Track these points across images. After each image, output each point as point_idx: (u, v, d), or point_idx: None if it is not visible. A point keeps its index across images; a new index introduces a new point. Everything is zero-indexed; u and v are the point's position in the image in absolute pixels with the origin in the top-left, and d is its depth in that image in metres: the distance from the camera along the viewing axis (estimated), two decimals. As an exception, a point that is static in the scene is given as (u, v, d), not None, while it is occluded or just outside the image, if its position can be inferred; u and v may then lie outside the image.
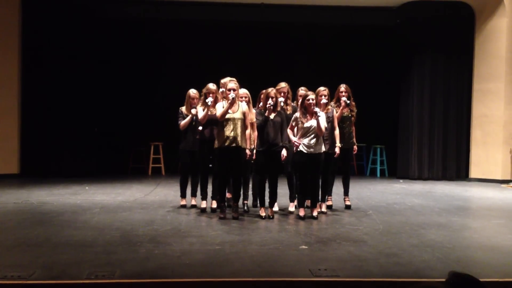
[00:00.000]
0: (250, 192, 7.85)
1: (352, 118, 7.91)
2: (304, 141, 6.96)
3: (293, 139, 7.00)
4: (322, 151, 7.10)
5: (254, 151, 7.14)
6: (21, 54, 11.34)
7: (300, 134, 7.01)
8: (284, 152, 7.08)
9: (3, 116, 11.14)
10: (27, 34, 11.32)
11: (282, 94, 7.47)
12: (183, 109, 7.74)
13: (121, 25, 12.30)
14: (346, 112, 7.82)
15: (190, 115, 7.52)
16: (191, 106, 7.59)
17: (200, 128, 7.38)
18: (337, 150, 7.44)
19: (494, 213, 8.07)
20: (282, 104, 7.26)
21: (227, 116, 6.83)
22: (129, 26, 12.42)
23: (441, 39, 12.03)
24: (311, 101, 6.92)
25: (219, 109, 6.91)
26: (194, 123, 7.49)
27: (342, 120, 7.75)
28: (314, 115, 6.87)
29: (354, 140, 8.02)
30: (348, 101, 7.72)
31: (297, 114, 7.06)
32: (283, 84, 7.58)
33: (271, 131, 7.07)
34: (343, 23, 12.28)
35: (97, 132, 11.81)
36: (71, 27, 11.37)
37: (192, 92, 7.69)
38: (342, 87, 7.82)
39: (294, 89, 7.86)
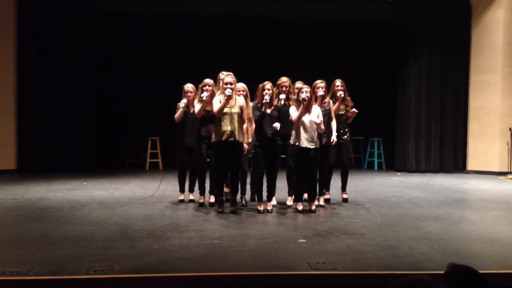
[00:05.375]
0: (248, 186, 7.85)
1: (348, 114, 7.85)
2: (302, 135, 6.96)
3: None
4: (318, 146, 7.10)
5: (252, 145, 7.13)
6: (18, 49, 11.28)
7: (297, 127, 7.00)
8: (276, 124, 6.97)
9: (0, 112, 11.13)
10: (23, 29, 11.26)
11: (284, 89, 7.41)
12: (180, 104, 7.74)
13: (117, 20, 12.24)
14: (342, 108, 7.79)
15: (182, 108, 7.53)
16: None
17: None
18: (334, 137, 7.41)
19: (492, 205, 8.08)
20: (283, 102, 7.20)
21: (225, 110, 6.81)
22: (125, 21, 12.37)
23: (438, 31, 12.03)
24: (305, 94, 6.90)
25: (216, 104, 6.89)
26: (186, 108, 7.49)
27: (337, 116, 7.71)
28: (302, 102, 6.86)
29: (347, 136, 7.95)
30: (343, 95, 7.70)
31: (293, 108, 7.05)
32: (284, 79, 7.50)
33: (268, 126, 7.07)
34: (339, 16, 12.26)
35: (93, 127, 11.78)
36: (67, 21, 11.30)
37: (187, 86, 7.68)
38: (338, 82, 7.80)
39: (291, 82, 7.83)
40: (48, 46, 11.27)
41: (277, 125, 6.93)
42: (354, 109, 7.74)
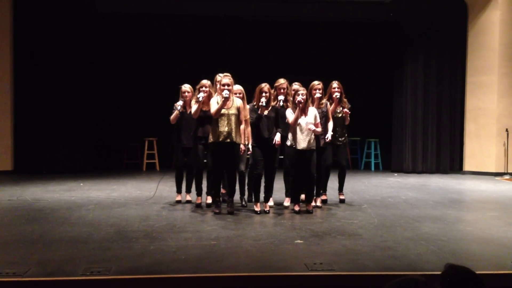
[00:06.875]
0: (245, 187, 7.83)
1: (344, 115, 7.83)
2: (299, 136, 6.96)
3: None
4: (315, 148, 7.10)
5: (249, 146, 7.13)
6: (14, 50, 11.26)
7: (293, 130, 7.01)
8: (277, 137, 7.06)
9: (-4, 113, 11.10)
10: (19, 30, 11.23)
11: (281, 91, 7.38)
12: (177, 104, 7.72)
13: (112, 21, 12.20)
14: (338, 110, 7.78)
15: (178, 110, 7.51)
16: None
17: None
18: (329, 135, 7.38)
19: (488, 205, 8.10)
20: (282, 103, 7.19)
21: (222, 111, 6.82)
22: (120, 22, 12.33)
23: (434, 32, 12.05)
24: (300, 96, 6.90)
25: (213, 105, 6.89)
26: (183, 109, 7.50)
27: (334, 118, 7.70)
28: (298, 105, 6.86)
29: (345, 138, 7.95)
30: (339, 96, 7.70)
31: (289, 110, 7.06)
32: (282, 81, 7.44)
33: (265, 127, 7.08)
34: (336, 17, 12.26)
35: (90, 128, 11.76)
36: (64, 22, 11.29)
37: (184, 86, 7.67)
38: (335, 83, 7.78)
39: (289, 84, 7.82)
40: (45, 47, 11.24)
41: (277, 138, 7.09)
42: (345, 110, 7.73)
